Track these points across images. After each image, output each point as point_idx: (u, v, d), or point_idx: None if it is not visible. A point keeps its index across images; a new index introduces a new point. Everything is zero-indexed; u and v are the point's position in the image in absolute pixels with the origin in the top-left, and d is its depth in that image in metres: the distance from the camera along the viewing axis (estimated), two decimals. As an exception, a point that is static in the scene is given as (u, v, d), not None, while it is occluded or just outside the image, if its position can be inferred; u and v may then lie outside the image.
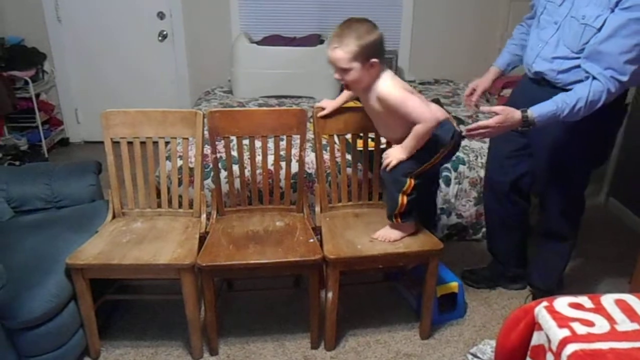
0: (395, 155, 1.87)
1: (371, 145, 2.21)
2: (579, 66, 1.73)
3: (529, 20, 2.11)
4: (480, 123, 1.75)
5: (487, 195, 2.34)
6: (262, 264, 1.86)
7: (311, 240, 1.98)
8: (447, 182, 2.67)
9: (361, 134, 2.17)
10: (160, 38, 3.92)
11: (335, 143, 2.20)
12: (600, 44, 1.64)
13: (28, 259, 1.88)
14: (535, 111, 1.70)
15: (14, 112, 3.58)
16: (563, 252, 2.20)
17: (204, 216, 2.14)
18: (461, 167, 2.67)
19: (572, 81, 1.76)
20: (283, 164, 2.30)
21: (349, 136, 2.22)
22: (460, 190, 2.71)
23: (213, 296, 1.90)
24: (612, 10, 1.61)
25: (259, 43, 3.62)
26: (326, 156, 2.24)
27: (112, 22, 3.86)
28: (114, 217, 2.15)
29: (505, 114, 1.71)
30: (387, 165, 1.88)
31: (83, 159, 3.77)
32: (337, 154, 2.22)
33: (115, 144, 2.11)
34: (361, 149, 2.20)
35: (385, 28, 3.85)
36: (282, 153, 2.22)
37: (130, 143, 2.12)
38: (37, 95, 3.73)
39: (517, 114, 1.71)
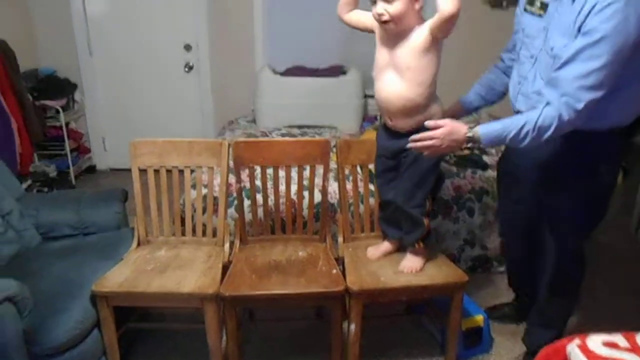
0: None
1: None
2: None
3: (504, 55, 2.02)
4: (425, 134, 1.65)
5: (504, 229, 2.30)
6: (284, 294, 1.85)
7: (334, 271, 1.97)
8: (471, 213, 2.64)
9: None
10: (186, 69, 4.02)
11: (357, 173, 2.21)
12: (559, 70, 1.56)
13: (54, 285, 1.90)
14: (482, 129, 1.63)
15: (44, 140, 3.69)
16: (562, 311, 2.05)
17: (227, 245, 2.15)
18: (485, 198, 2.65)
19: None
20: (306, 193, 2.31)
21: (371, 166, 2.22)
22: (484, 221, 2.67)
23: (235, 326, 1.89)
24: (576, 37, 1.54)
25: (282, 74, 3.69)
26: (349, 186, 2.25)
27: (140, 53, 3.98)
28: (138, 244, 2.17)
29: (451, 127, 1.64)
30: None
31: (109, 186, 3.86)
32: (360, 184, 2.22)
33: (142, 171, 2.15)
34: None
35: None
36: (305, 182, 2.23)
37: (156, 171, 2.15)
38: (67, 124, 3.84)
39: (463, 129, 1.64)
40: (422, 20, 1.72)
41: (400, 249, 2.08)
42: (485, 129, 1.63)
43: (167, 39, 3.95)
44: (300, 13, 3.88)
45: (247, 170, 2.17)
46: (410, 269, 1.95)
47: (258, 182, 2.32)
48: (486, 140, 1.63)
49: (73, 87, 3.92)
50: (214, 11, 3.85)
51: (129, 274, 1.94)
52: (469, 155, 2.79)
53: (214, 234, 2.20)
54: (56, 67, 3.92)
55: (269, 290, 1.85)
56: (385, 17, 1.66)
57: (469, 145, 1.69)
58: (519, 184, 1.99)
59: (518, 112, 1.77)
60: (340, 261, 2.08)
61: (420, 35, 1.69)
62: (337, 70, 3.70)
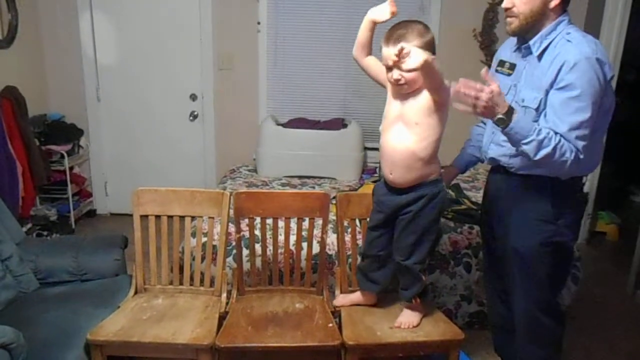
0: (421, 56, 1.65)
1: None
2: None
3: None
4: (478, 85, 1.60)
5: (487, 291, 2.28)
6: (280, 347, 1.84)
7: (330, 325, 1.97)
8: (468, 269, 2.65)
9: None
10: (191, 118, 4.11)
11: (356, 226, 2.24)
12: (550, 123, 1.66)
13: (50, 333, 1.89)
14: (519, 114, 1.65)
15: (47, 184, 3.74)
16: None
17: (224, 295, 2.15)
18: (482, 254, 2.66)
19: (524, 165, 1.79)
20: (304, 244, 2.33)
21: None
22: (481, 277, 2.67)
23: (229, 379, 1.88)
24: (547, 92, 1.69)
25: (284, 125, 3.78)
26: (347, 239, 2.27)
27: (147, 102, 4.09)
28: (136, 292, 2.18)
29: (500, 90, 1.62)
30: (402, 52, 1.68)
31: (108, 231, 3.88)
32: (359, 236, 2.25)
33: (143, 217, 2.18)
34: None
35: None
36: (304, 234, 2.25)
37: (157, 217, 2.18)
38: (71, 168, 3.89)
39: (506, 101, 1.65)
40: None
41: (377, 303, 2.10)
42: (521, 117, 1.65)
43: (174, 89, 4.07)
44: (303, 67, 4.01)
45: (247, 220, 2.20)
46: (407, 325, 1.95)
47: (257, 232, 2.35)
48: (516, 126, 1.62)
49: (79, 132, 4.00)
50: (219, 63, 3.99)
51: (125, 322, 1.93)
52: (465, 209, 2.83)
53: (212, 284, 2.20)
54: (64, 112, 4.01)
55: (265, 343, 1.84)
56: (402, 82, 1.77)
57: (500, 116, 1.62)
58: (494, 231, 2.03)
59: (491, 159, 1.94)
60: (336, 314, 2.08)
61: (428, 96, 1.77)
62: (338, 123, 3.79)
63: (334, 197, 2.26)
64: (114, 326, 1.90)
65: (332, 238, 2.54)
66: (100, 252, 2.37)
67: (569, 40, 1.69)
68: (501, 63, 1.94)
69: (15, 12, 3.53)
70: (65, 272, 2.31)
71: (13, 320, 1.78)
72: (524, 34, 1.79)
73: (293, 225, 2.23)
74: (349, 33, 3.91)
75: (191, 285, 2.21)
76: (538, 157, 1.64)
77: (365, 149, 3.85)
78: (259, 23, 3.91)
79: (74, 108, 4.03)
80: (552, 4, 1.71)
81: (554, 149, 1.63)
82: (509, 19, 1.78)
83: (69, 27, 3.91)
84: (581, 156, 1.66)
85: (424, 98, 1.78)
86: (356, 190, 3.21)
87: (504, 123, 1.63)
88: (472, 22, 3.87)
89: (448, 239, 2.64)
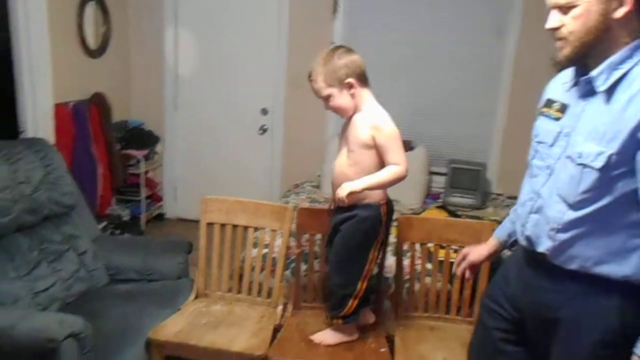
0: (348, 185, 1.76)
1: (453, 256, 2.18)
2: (580, 226, 1.24)
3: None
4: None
5: None
6: (331, 367, 1.84)
7: (382, 350, 1.95)
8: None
9: (444, 245, 2.16)
10: (260, 131, 4.23)
11: (415, 250, 2.21)
12: None
13: (115, 327, 2.00)
14: None
15: (123, 186, 3.97)
16: None
17: (280, 307, 2.18)
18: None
19: (575, 255, 1.25)
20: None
21: (430, 245, 2.22)
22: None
23: (279, 392, 1.89)
24: (625, 145, 1.16)
25: (350, 144, 3.80)
26: (406, 262, 2.24)
27: (221, 113, 4.26)
28: (196, 296, 2.25)
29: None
30: (339, 198, 1.76)
31: (174, 235, 4.04)
32: (418, 261, 2.22)
33: (208, 224, 2.26)
34: (442, 259, 2.18)
35: (475, 138, 3.90)
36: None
37: (222, 225, 2.25)
38: (145, 173, 4.11)
39: None
40: (361, 101, 1.90)
41: (424, 333, 2.06)
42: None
43: (247, 102, 4.21)
44: (372, 87, 4.02)
45: (307, 236, 2.22)
46: (320, 341, 1.95)
47: (317, 249, 2.37)
48: None
49: (156, 139, 4.23)
50: (291, 79, 4.09)
51: (184, 325, 2.01)
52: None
53: (269, 295, 2.24)
54: (144, 119, 4.26)
55: (316, 361, 1.85)
56: (332, 110, 1.92)
57: None
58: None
59: (527, 239, 1.37)
60: (389, 339, 2.05)
61: (364, 132, 1.84)
62: (405, 146, 3.76)
63: (395, 220, 2.25)
64: (174, 327, 1.97)
65: (389, 261, 2.52)
66: (166, 255, 2.47)
67: None
68: (548, 103, 1.41)
69: (108, 25, 3.81)
70: (133, 270, 2.44)
71: (83, 312, 1.89)
72: (582, 62, 1.27)
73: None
74: (420, 55, 3.94)
75: (249, 294, 2.27)
76: None
77: (431, 173, 3.79)
78: (332, 43, 3.98)
79: (152, 116, 4.27)
80: (618, 14, 1.17)
81: None
82: (558, 44, 1.27)
83: (154, 40, 4.16)
84: None
85: (359, 131, 1.85)
86: (418, 214, 3.16)
87: None
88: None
89: (512, 272, 2.54)
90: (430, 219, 2.19)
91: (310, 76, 1.86)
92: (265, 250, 2.33)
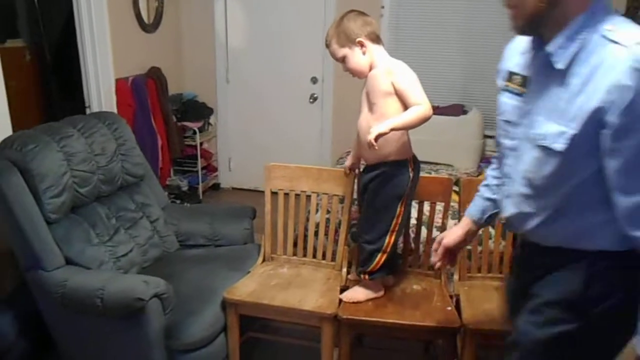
0: (375, 128, 1.74)
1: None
2: (550, 207, 1.20)
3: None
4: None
5: None
6: (399, 324, 1.90)
7: (449, 308, 1.99)
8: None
9: (507, 207, 2.16)
10: (311, 100, 4.27)
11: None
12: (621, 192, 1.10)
13: (190, 288, 2.12)
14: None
15: (180, 157, 4.10)
16: None
17: (344, 270, 2.25)
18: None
19: (550, 234, 1.23)
20: (423, 228, 2.35)
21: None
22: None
23: (349, 348, 1.98)
24: (587, 125, 1.07)
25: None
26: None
27: (271, 83, 4.31)
28: (263, 260, 2.35)
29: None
30: (369, 142, 1.73)
31: (231, 203, 4.17)
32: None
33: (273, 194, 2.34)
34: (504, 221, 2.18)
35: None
36: (423, 218, 2.28)
37: (286, 194, 2.33)
38: (201, 144, 4.23)
39: None
40: (376, 58, 1.93)
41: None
42: None
43: (297, 72, 4.24)
44: (423, 52, 3.98)
45: (369, 201, 2.26)
46: (349, 299, 2.00)
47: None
48: None
49: (209, 111, 4.33)
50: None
51: (255, 286, 2.10)
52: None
53: (333, 258, 2.31)
54: (197, 92, 4.36)
55: (385, 319, 1.91)
56: (351, 73, 1.98)
57: None
58: None
59: (507, 221, 1.33)
60: (453, 299, 2.09)
61: (383, 81, 1.89)
62: (458, 110, 3.73)
63: (455, 183, 2.26)
64: (246, 288, 2.07)
65: (450, 224, 2.53)
66: (232, 221, 2.57)
67: (613, 41, 1.05)
68: (510, 76, 1.30)
69: (161, 0, 3.88)
70: (201, 236, 2.55)
71: (159, 275, 2.00)
72: (536, 32, 1.17)
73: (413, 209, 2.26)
74: (471, 18, 3.85)
75: (314, 257, 2.34)
76: None
77: (485, 136, 3.74)
78: (382, 7, 3.93)
79: (205, 88, 4.37)
80: None
81: None
82: (510, 13, 1.16)
83: (205, 14, 4.22)
84: None
85: (378, 82, 1.89)
86: (476, 177, 3.15)
87: None
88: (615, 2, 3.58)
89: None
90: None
91: (326, 41, 1.95)
92: (328, 216, 2.39)
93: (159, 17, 3.90)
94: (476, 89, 3.93)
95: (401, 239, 2.31)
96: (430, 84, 4.01)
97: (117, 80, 3.41)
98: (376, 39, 1.93)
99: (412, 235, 2.32)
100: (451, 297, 2.10)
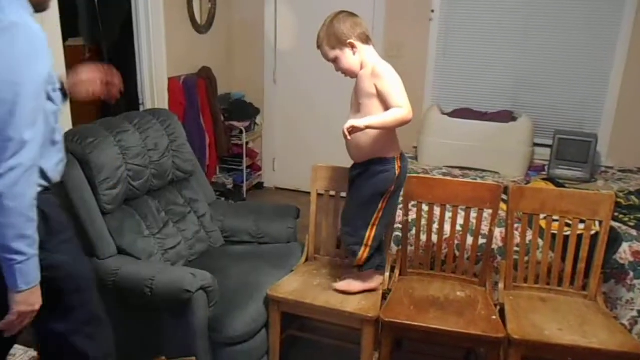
0: (352, 121, 1.84)
1: (566, 230, 2.13)
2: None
3: None
4: None
5: None
6: (442, 330, 1.88)
7: (493, 317, 1.95)
8: None
9: (556, 217, 2.11)
10: (356, 103, 4.27)
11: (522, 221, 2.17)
12: None
13: (235, 283, 2.16)
14: None
15: (227, 155, 4.19)
16: None
17: (387, 273, 2.24)
18: (669, 269, 2.39)
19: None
20: (469, 234, 2.32)
21: (542, 216, 2.17)
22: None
23: (389, 351, 1.97)
24: None
25: (449, 115, 3.73)
26: (516, 233, 2.21)
27: (318, 85, 4.33)
28: (306, 260, 2.37)
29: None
30: (345, 130, 1.85)
31: (274, 202, 4.22)
32: (529, 232, 2.18)
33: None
34: (555, 232, 2.13)
35: (584, 107, 3.70)
36: (470, 224, 2.25)
37: (331, 196, 2.34)
38: (247, 143, 4.30)
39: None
40: (365, 58, 1.95)
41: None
42: None
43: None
44: (473, 57, 3.92)
45: (415, 204, 2.25)
46: (344, 288, 2.05)
47: (424, 217, 2.39)
48: None
49: (256, 111, 4.40)
50: (389, 50, 4.06)
51: (298, 285, 2.12)
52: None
53: (376, 261, 2.30)
54: (245, 92, 4.44)
55: (427, 324, 1.90)
56: (343, 73, 2.03)
57: None
58: None
59: None
60: (497, 308, 2.05)
61: (367, 83, 1.93)
62: (507, 116, 3.64)
63: (504, 191, 2.21)
64: (289, 286, 2.10)
65: (496, 232, 2.48)
66: (277, 219, 2.61)
67: None
68: None
69: (214, 2, 3.98)
70: (246, 233, 2.60)
71: (205, 269, 2.04)
72: None
73: (459, 215, 2.23)
74: (523, 24, 3.77)
75: (356, 259, 2.34)
76: None
77: (535, 144, 3.65)
78: (432, 11, 3.90)
79: (253, 88, 4.44)
80: None
81: None
82: None
83: (255, 16, 4.30)
84: None
85: (369, 77, 1.91)
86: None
87: None
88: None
89: (629, 248, 2.42)
90: (544, 189, 2.13)
91: (317, 43, 1.97)
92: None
93: (212, 18, 4.00)
94: (527, 95, 3.84)
95: (448, 243, 2.29)
96: (479, 89, 3.96)
97: (170, 79, 3.52)
98: (366, 40, 1.96)
99: (457, 242, 2.29)
100: (495, 305, 2.06)
